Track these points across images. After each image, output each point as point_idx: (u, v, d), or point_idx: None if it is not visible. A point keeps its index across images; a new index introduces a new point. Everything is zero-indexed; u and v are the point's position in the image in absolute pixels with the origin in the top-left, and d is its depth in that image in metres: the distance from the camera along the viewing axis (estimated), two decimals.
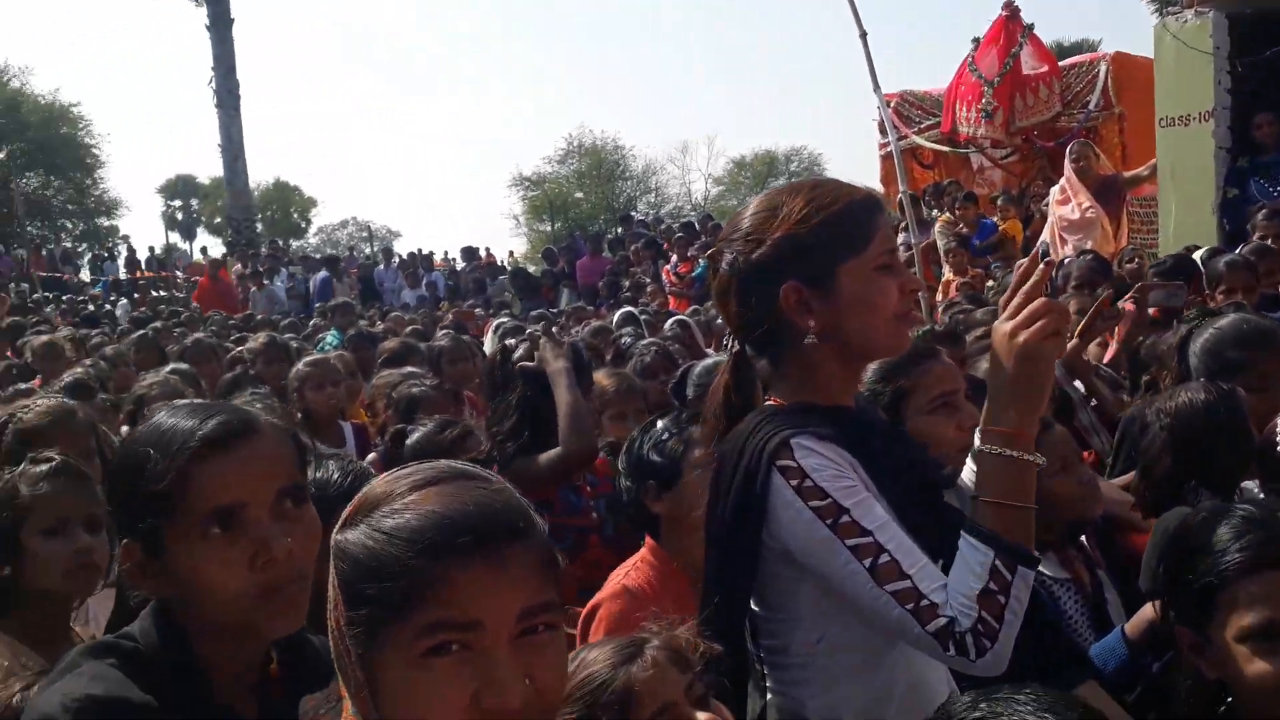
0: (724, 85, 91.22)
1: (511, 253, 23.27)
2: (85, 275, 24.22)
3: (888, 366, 2.34)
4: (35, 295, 17.29)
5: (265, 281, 16.97)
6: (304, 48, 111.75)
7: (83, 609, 2.48)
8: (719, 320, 7.39)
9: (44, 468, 2.22)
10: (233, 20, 26.07)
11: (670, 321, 7.25)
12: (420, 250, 20.64)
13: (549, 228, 33.66)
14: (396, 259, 20.05)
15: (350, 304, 10.50)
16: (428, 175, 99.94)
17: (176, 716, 1.35)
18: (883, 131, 10.75)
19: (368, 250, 30.43)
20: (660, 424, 2.47)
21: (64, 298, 17.75)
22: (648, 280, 13.48)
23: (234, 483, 1.39)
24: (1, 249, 24.66)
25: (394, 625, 1.07)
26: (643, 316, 8.25)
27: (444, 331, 8.34)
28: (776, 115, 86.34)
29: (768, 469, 1.66)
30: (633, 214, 23.63)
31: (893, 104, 10.97)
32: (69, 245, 31.82)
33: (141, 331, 8.29)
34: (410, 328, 9.82)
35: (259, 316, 12.39)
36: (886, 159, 11.04)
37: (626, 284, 13.87)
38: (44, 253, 24.91)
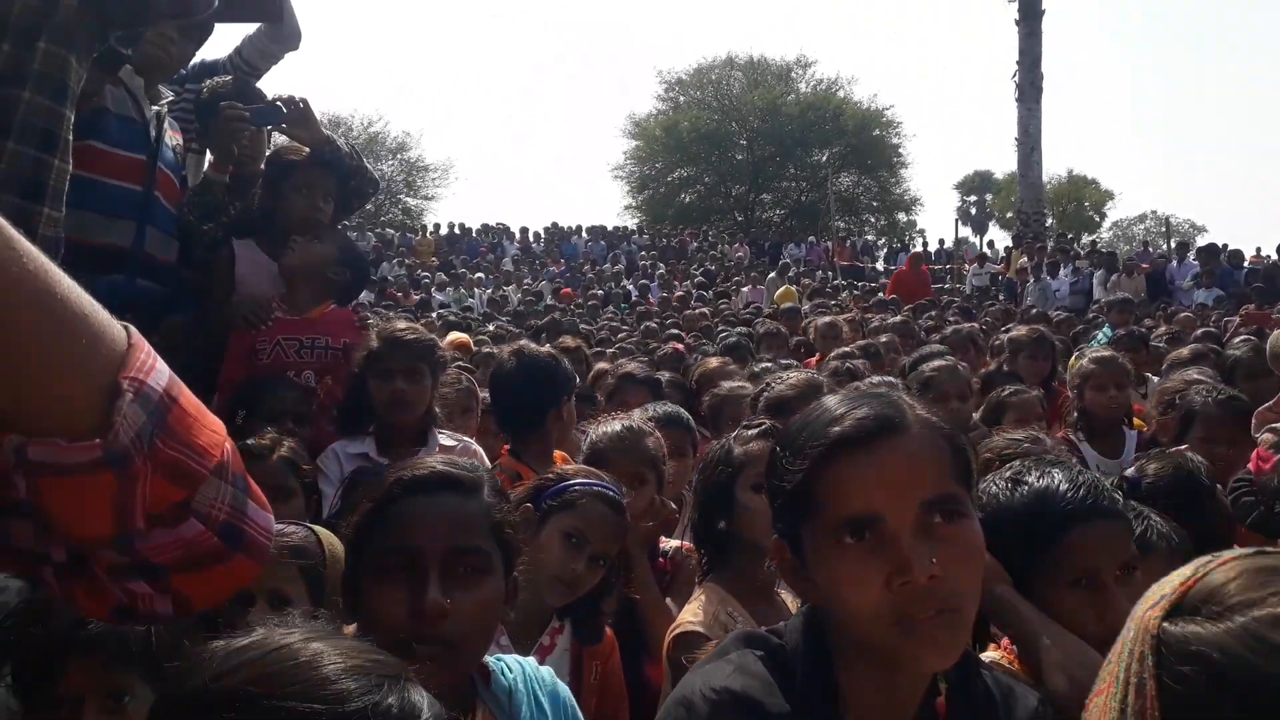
0: None
1: None
2: (880, 265, 26.35)
3: None
4: (835, 281, 19.35)
5: (1044, 275, 16.55)
6: (1112, 34, 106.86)
7: None
8: None
9: (754, 431, 2.37)
10: (1043, 11, 25.85)
11: None
12: (1225, 245, 18.00)
13: None
14: (1192, 254, 17.94)
15: (1128, 300, 9.60)
16: (1242, 164, 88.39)
17: None
18: None
19: (1165, 246, 27.86)
20: None
21: (859, 284, 19.47)
22: None
23: (868, 488, 1.21)
24: (814, 240, 28.18)
25: None
26: None
27: (1243, 339, 7.10)
28: None
29: None
30: None
31: None
32: (870, 238, 35.06)
33: (899, 318, 8.62)
34: (1201, 329, 8.66)
35: (1033, 310, 12.09)
36: None
37: None
38: (847, 244, 27.76)
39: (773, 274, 18.75)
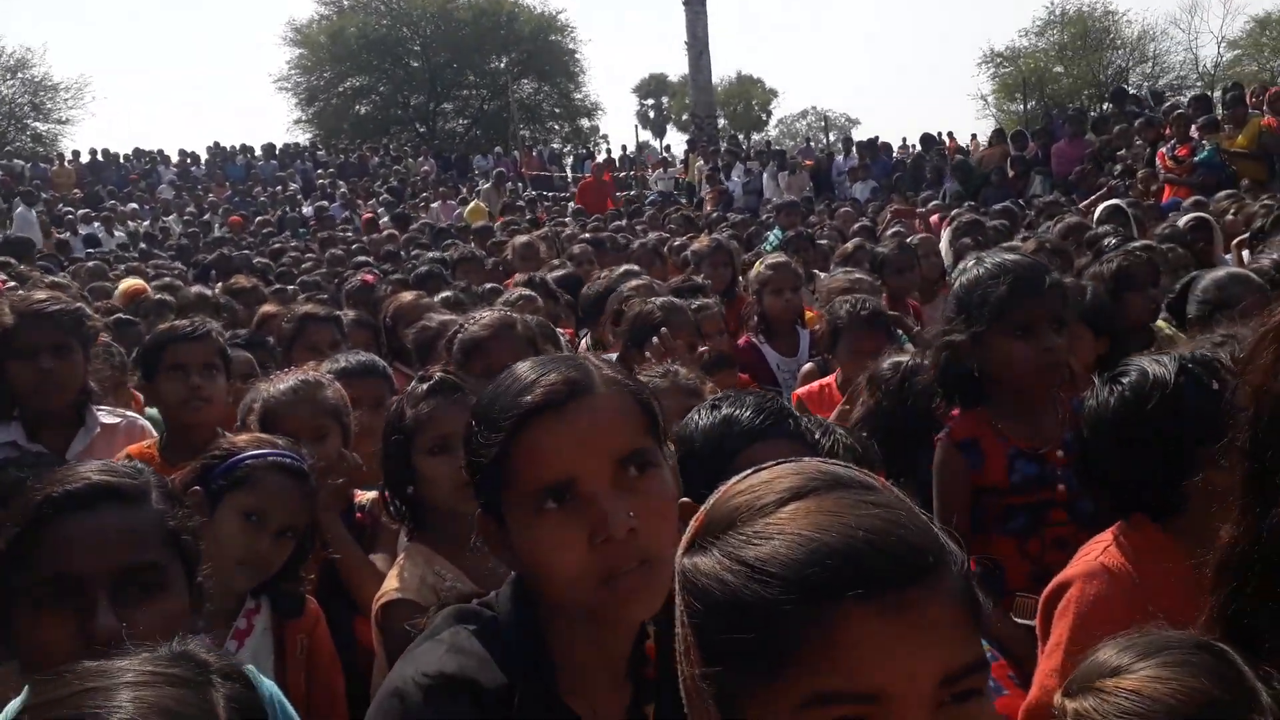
0: None
1: (974, 137, 21.36)
2: (568, 174, 26.56)
3: None
4: (527, 193, 19.29)
5: (721, 178, 17.36)
6: None
7: None
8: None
9: (424, 386, 2.22)
10: None
11: (1187, 219, 6.08)
12: (876, 139, 19.57)
13: (1021, 108, 30.99)
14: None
15: (795, 203, 10.29)
16: (889, 59, 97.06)
17: (524, 703, 1.23)
18: None
19: (826, 140, 30.15)
20: (1190, 369, 1.83)
21: (549, 194, 19.56)
22: (1139, 167, 11.69)
23: (564, 453, 1.21)
24: (500, 151, 27.91)
25: (766, 689, 0.83)
26: (1132, 211, 7.09)
27: (892, 233, 7.84)
28: None
29: None
30: (1126, 88, 20.63)
31: None
32: (556, 146, 35.20)
33: (595, 236, 8.67)
34: (858, 224, 9.45)
35: (713, 215, 12.66)
36: None
37: (1118, 170, 12.16)
38: (534, 154, 27.72)
39: (487, 186, 18.47)
